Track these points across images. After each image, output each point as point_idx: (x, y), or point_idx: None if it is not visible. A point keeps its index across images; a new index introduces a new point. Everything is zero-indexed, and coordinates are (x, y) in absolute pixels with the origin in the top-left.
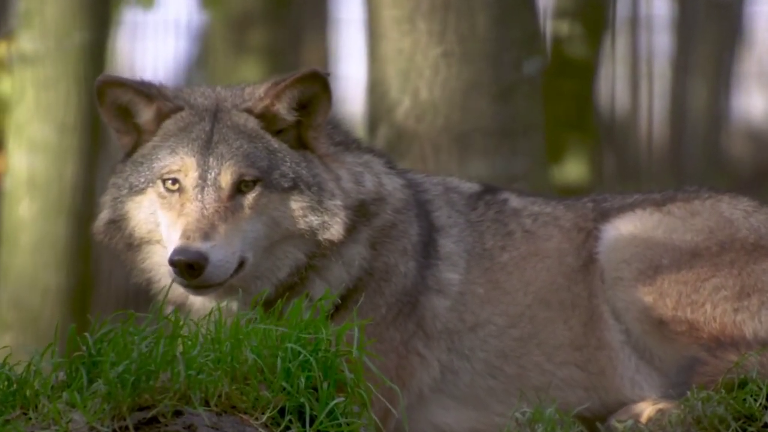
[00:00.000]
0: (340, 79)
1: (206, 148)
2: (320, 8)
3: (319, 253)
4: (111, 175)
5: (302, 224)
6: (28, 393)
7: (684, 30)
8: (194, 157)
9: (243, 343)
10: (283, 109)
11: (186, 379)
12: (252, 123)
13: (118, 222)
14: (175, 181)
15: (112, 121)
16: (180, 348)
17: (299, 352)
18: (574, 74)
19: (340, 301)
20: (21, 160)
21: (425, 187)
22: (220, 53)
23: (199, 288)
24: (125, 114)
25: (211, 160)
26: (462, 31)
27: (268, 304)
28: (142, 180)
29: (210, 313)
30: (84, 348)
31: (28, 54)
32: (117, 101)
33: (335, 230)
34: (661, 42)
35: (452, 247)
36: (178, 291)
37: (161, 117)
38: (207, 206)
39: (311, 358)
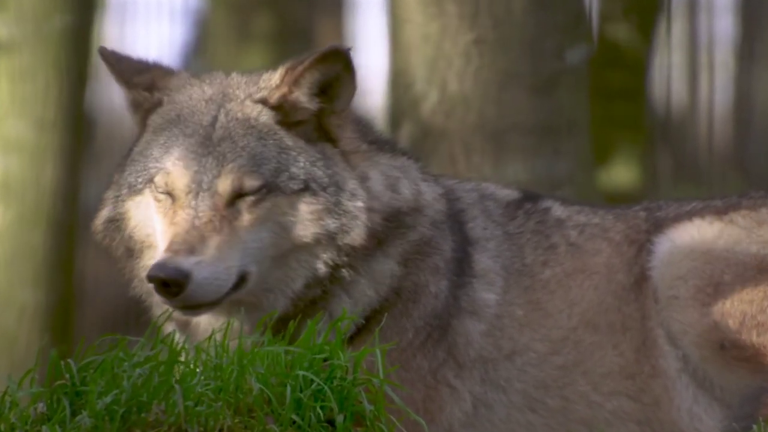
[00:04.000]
0: (358, 68)
1: (204, 147)
2: None
3: (342, 263)
4: (115, 169)
5: (317, 228)
6: (3, 427)
7: (749, 13)
8: (188, 157)
9: (247, 369)
10: (302, 96)
11: (183, 411)
12: (265, 116)
13: (118, 221)
14: (167, 184)
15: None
16: (177, 376)
17: (312, 381)
18: (625, 64)
19: (364, 322)
20: None
21: (457, 195)
22: (221, 39)
23: (186, 308)
24: None
25: (210, 160)
26: (497, 15)
27: (285, 320)
28: (140, 180)
29: (212, 336)
30: (67, 376)
31: (2, 41)
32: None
33: (356, 234)
34: (723, 27)
35: (488, 263)
36: None
37: (138, 109)
38: (200, 215)
39: (326, 387)
